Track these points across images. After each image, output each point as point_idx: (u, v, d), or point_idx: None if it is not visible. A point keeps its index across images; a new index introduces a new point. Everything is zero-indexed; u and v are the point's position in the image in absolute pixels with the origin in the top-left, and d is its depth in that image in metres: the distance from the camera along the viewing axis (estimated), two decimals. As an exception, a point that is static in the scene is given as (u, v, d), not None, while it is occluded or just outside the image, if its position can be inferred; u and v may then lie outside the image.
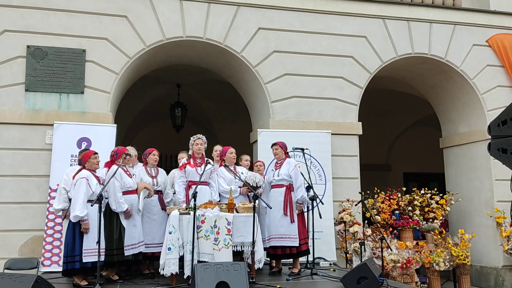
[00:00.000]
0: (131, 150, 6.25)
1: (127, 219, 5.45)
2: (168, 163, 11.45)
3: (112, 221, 5.37)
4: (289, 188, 5.93)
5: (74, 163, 6.40)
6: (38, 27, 6.95)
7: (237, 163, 6.34)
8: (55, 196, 5.79)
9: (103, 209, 5.02)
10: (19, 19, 6.92)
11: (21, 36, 6.89)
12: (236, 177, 5.83)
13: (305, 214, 6.12)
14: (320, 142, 7.57)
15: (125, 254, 5.37)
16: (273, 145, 6.17)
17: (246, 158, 6.62)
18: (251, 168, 6.55)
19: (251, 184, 5.74)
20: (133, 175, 5.76)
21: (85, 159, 5.31)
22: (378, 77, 8.53)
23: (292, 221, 5.84)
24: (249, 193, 5.89)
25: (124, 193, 5.43)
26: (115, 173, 5.23)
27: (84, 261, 5.05)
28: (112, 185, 5.27)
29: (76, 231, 5.10)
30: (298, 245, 5.81)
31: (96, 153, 5.42)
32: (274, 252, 5.89)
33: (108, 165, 5.52)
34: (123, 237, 5.37)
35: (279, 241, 5.83)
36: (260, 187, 5.88)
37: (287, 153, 6.15)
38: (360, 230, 7.26)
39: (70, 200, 5.42)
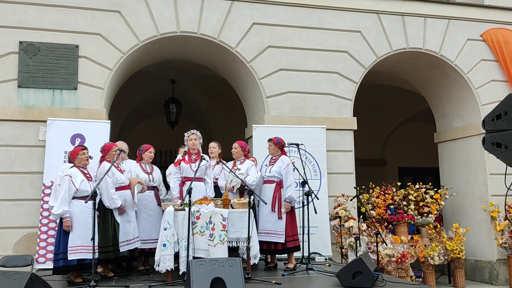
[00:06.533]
0: (123, 145, 6.21)
1: (121, 215, 5.42)
2: (163, 160, 11.42)
3: (106, 218, 5.33)
4: (279, 185, 5.91)
5: (67, 160, 6.36)
6: (31, 23, 6.89)
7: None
8: (51, 193, 5.75)
9: (97, 206, 4.99)
10: (11, 15, 6.85)
11: (13, 32, 6.83)
12: (232, 173, 5.81)
13: (298, 210, 6.12)
14: (315, 138, 7.57)
15: (121, 250, 5.34)
16: (268, 140, 6.15)
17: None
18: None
19: (228, 185, 5.78)
20: (124, 170, 5.72)
21: (73, 156, 5.24)
22: (373, 72, 8.53)
23: (280, 217, 5.82)
24: (245, 189, 5.90)
25: (117, 189, 5.39)
26: (108, 170, 5.19)
27: (69, 258, 4.94)
28: (104, 182, 5.21)
29: (61, 229, 5.04)
30: (284, 241, 5.78)
31: (84, 148, 5.30)
32: (260, 247, 5.85)
33: (100, 161, 5.47)
34: (117, 233, 5.34)
35: (265, 236, 5.82)
36: (233, 188, 5.89)
37: (283, 149, 6.12)
38: (355, 225, 7.28)
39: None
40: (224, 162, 5.93)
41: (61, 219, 5.05)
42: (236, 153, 6.14)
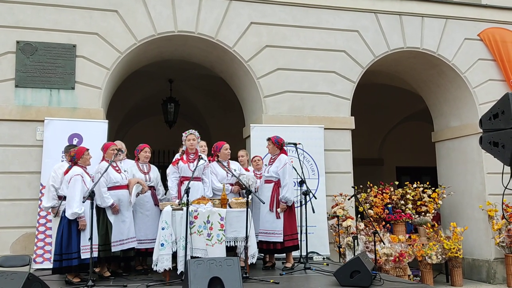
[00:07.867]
0: (123, 145, 6.20)
1: (114, 215, 5.41)
2: (161, 159, 11.41)
3: (99, 217, 5.33)
4: (277, 184, 5.93)
5: (64, 160, 6.34)
6: (28, 22, 6.88)
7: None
8: (44, 194, 5.73)
9: (94, 206, 5.00)
10: (8, 14, 6.83)
11: (10, 32, 6.81)
12: (229, 174, 5.81)
13: (297, 209, 6.12)
14: (313, 137, 7.57)
15: (113, 250, 5.33)
16: (267, 139, 6.17)
17: (241, 154, 6.60)
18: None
19: (244, 185, 5.71)
20: (125, 171, 5.71)
21: (79, 155, 5.24)
22: (370, 72, 8.54)
23: (278, 217, 5.84)
24: (241, 191, 5.91)
25: (111, 188, 5.39)
26: (105, 170, 5.20)
27: (82, 257, 4.99)
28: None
29: (72, 228, 5.03)
30: (282, 241, 5.79)
31: (88, 149, 5.37)
32: (260, 247, 5.86)
33: (101, 161, 5.49)
34: (110, 233, 5.33)
35: (264, 236, 5.84)
36: (250, 186, 5.88)
37: (282, 148, 6.13)
38: (353, 224, 7.28)
39: (59, 197, 5.38)
40: (221, 161, 5.94)
41: (67, 219, 5.04)
42: (228, 155, 6.16)
